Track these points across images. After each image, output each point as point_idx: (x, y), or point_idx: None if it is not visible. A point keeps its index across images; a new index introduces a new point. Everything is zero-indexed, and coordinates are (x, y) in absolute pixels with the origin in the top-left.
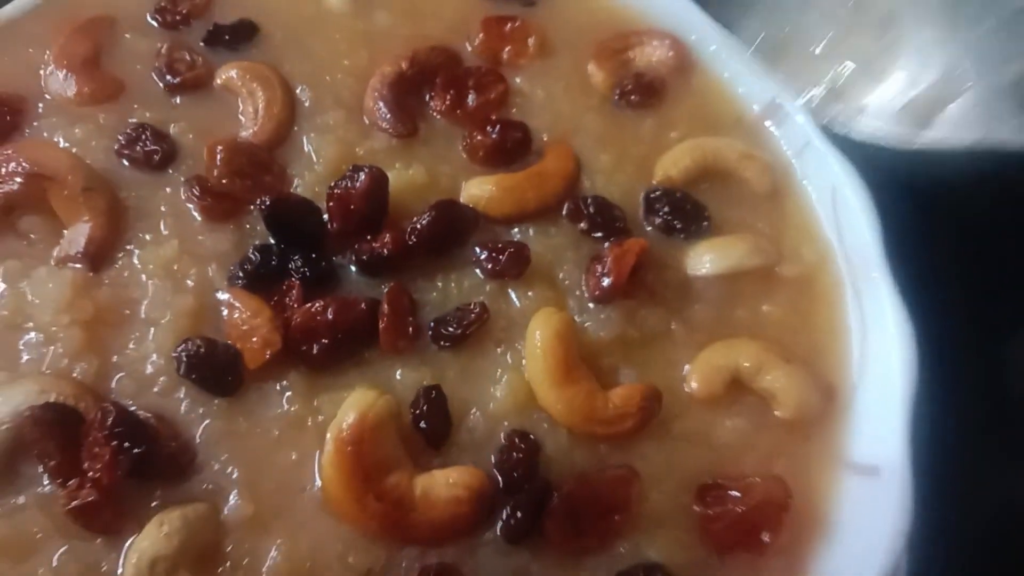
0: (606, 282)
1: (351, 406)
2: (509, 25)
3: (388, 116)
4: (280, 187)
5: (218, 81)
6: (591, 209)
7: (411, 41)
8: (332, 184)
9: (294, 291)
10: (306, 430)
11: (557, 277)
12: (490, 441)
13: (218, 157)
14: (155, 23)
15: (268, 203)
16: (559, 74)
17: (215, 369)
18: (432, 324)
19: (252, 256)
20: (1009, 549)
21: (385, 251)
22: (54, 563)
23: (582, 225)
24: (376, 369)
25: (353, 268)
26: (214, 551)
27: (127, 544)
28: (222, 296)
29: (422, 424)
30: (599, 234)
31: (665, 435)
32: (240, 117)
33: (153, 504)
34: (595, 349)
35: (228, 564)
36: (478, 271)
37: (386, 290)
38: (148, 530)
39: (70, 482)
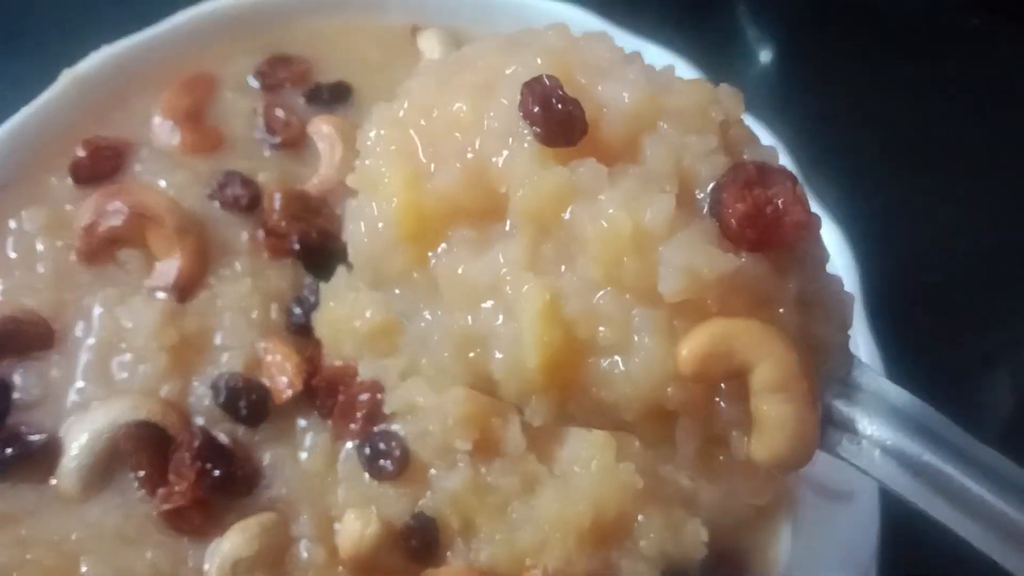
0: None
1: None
2: None
3: None
4: (329, 228)
5: (310, 130)
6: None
7: None
8: None
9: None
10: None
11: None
12: None
13: (276, 202)
14: (255, 84)
15: (298, 241)
16: None
17: (247, 403)
18: None
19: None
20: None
21: None
22: (148, 555)
23: None
24: None
25: None
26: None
27: (212, 544)
28: (259, 344)
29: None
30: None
31: None
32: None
33: (230, 513)
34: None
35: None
36: None
37: None
38: (230, 534)
39: (160, 490)
